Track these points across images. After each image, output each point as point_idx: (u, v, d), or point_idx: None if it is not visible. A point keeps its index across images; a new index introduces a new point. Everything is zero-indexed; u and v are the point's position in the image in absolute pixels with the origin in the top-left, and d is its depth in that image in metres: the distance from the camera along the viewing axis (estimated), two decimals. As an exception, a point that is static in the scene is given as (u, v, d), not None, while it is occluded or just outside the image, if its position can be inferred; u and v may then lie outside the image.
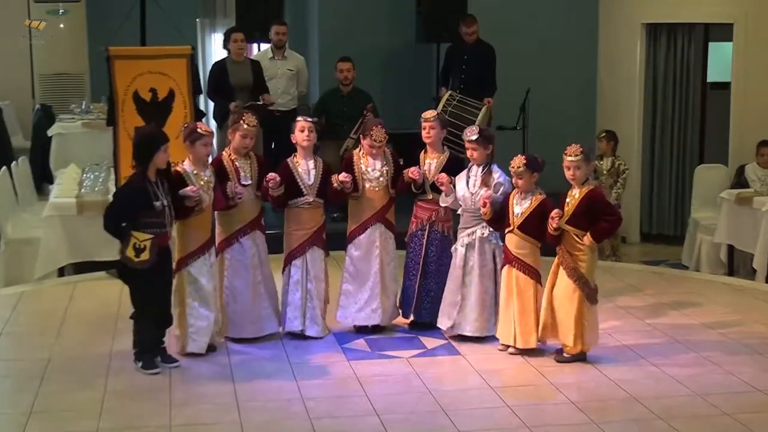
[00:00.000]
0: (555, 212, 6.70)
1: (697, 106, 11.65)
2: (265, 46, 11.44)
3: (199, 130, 6.84)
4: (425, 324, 7.47)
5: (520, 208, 6.88)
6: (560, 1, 12.37)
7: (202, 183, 6.78)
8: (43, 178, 11.87)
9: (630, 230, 11.12)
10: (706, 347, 7.16)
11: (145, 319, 6.62)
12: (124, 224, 6.45)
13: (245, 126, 7.05)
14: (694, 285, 8.93)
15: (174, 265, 6.82)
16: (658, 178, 11.63)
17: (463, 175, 7.23)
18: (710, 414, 6.00)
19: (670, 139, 11.56)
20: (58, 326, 7.52)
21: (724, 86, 11.32)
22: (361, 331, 7.47)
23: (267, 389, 6.35)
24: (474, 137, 7.08)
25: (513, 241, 6.90)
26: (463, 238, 7.19)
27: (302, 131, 7.25)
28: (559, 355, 6.89)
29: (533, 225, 6.83)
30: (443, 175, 7.17)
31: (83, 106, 12.46)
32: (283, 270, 7.33)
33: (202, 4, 15.99)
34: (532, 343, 6.92)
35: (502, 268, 7.02)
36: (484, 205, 6.94)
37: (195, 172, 6.80)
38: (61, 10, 13.10)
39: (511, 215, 6.90)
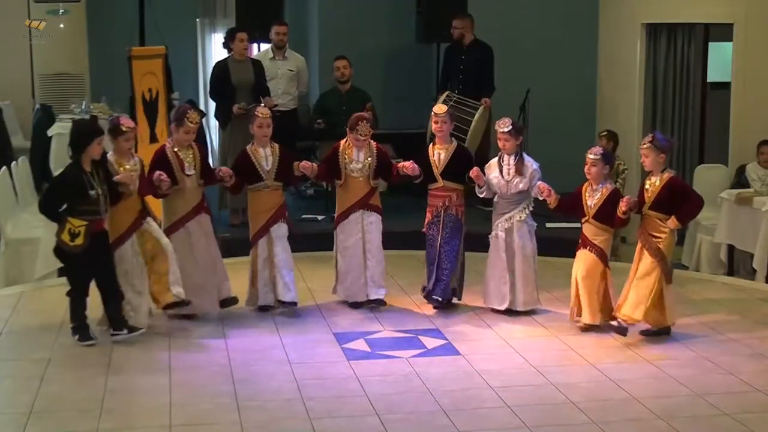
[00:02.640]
0: (627, 198, 7.25)
1: (697, 106, 11.64)
2: (265, 46, 11.43)
3: (121, 126, 7.26)
4: (447, 303, 7.95)
5: (592, 199, 7.45)
6: (560, 1, 12.37)
7: (122, 171, 7.17)
8: (43, 178, 11.83)
9: (630, 230, 11.11)
10: (706, 347, 7.17)
11: (78, 295, 7.07)
12: (61, 210, 6.90)
13: (188, 123, 7.51)
14: (694, 285, 8.92)
15: None
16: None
17: (494, 164, 7.74)
18: (710, 414, 6.01)
19: (670, 139, 11.56)
20: (58, 326, 7.52)
21: (724, 86, 11.31)
22: (353, 306, 7.93)
23: (267, 389, 6.35)
24: (507, 129, 7.61)
25: (590, 229, 7.48)
26: (501, 223, 7.71)
27: (260, 127, 7.76)
28: (645, 330, 7.30)
29: (606, 214, 7.39)
30: (476, 169, 7.65)
31: (83, 106, 12.43)
32: (250, 250, 7.82)
33: (202, 4, 15.98)
34: (598, 320, 7.43)
35: (577, 251, 7.51)
36: (549, 195, 7.49)
37: (118, 161, 7.22)
38: (61, 10, 13.08)
39: (585, 206, 7.46)
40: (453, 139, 7.96)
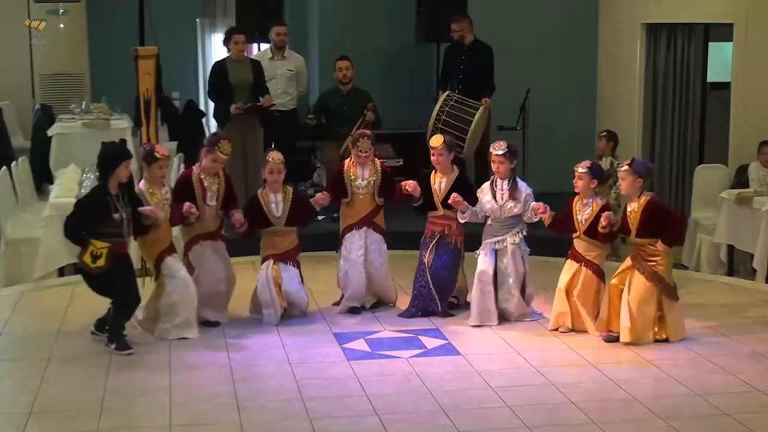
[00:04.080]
0: (606, 213, 7.20)
1: (697, 106, 11.63)
2: (265, 46, 11.43)
3: (156, 153, 7.23)
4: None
5: (582, 215, 7.36)
6: (560, 1, 12.36)
7: (156, 201, 7.17)
8: (43, 178, 11.86)
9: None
10: (706, 347, 7.16)
11: (122, 307, 7.01)
12: (83, 232, 6.82)
13: (219, 153, 7.40)
14: (694, 285, 8.91)
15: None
16: (658, 178, 11.58)
17: (486, 188, 7.65)
18: (710, 414, 6.01)
19: (670, 139, 11.55)
20: (58, 326, 7.52)
21: (724, 86, 11.31)
22: (352, 311, 7.90)
23: (267, 389, 6.35)
24: (501, 152, 7.52)
25: (581, 245, 7.41)
26: (490, 244, 7.62)
27: (271, 173, 7.60)
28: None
29: (597, 229, 7.27)
30: (455, 195, 7.52)
31: (83, 106, 12.44)
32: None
33: (202, 4, 16.00)
34: (591, 332, 7.37)
35: (566, 259, 7.48)
36: (545, 212, 7.38)
37: (150, 191, 7.20)
38: (61, 10, 13.10)
39: (576, 222, 7.38)
40: (454, 167, 7.83)
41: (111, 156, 6.93)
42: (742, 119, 10.76)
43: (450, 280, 7.83)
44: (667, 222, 7.14)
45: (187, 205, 7.26)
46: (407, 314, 7.84)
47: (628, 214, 7.20)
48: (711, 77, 11.83)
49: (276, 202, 7.60)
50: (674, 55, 11.39)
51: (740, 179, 10.16)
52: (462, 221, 7.67)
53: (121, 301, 7.00)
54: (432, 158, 7.77)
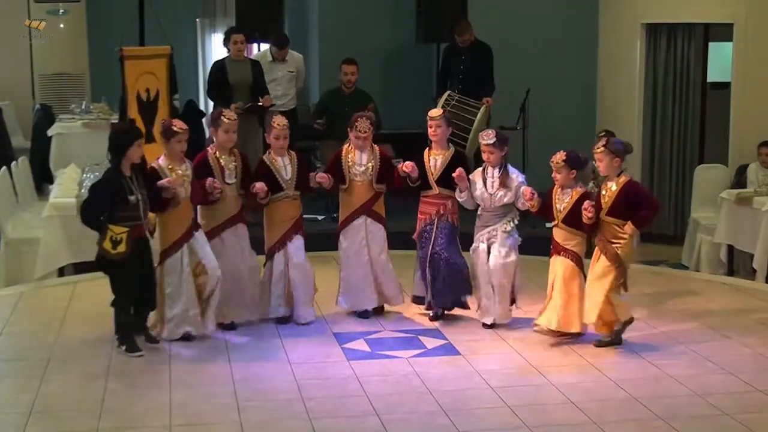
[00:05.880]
0: (587, 203, 7.00)
1: (697, 106, 11.65)
2: (265, 47, 11.43)
3: (174, 127, 7.09)
4: (441, 313, 7.80)
5: (561, 203, 7.19)
6: (560, 1, 12.37)
7: (174, 176, 7.01)
8: (43, 178, 11.87)
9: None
10: (706, 347, 7.16)
11: (123, 305, 6.87)
12: (101, 218, 6.72)
13: (226, 120, 7.29)
14: (694, 285, 8.93)
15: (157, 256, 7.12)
16: (658, 178, 11.63)
17: (478, 175, 7.50)
18: (710, 414, 6.01)
19: (670, 139, 11.57)
20: (58, 326, 7.52)
21: (724, 86, 11.32)
22: (361, 315, 7.78)
23: (267, 389, 6.35)
24: (491, 141, 7.36)
25: (560, 234, 7.22)
26: (483, 235, 7.49)
27: (277, 138, 7.50)
28: (598, 341, 7.17)
29: (576, 218, 7.11)
30: (461, 170, 7.38)
31: (83, 106, 12.46)
32: (266, 263, 7.61)
33: (202, 4, 16.00)
34: (577, 327, 7.17)
35: (550, 257, 7.29)
36: (531, 199, 7.19)
37: (170, 166, 7.06)
38: (61, 10, 13.12)
39: (555, 210, 7.21)
40: (450, 144, 7.71)
41: (123, 136, 6.83)
42: (742, 119, 10.78)
43: (456, 266, 7.56)
44: (642, 206, 7.00)
45: (209, 180, 7.11)
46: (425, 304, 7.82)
47: (602, 194, 7.05)
48: (711, 77, 11.85)
49: (284, 166, 7.50)
50: (674, 55, 11.41)
51: (740, 179, 10.18)
52: (458, 199, 7.52)
53: (129, 296, 6.87)
54: (429, 130, 7.55)
